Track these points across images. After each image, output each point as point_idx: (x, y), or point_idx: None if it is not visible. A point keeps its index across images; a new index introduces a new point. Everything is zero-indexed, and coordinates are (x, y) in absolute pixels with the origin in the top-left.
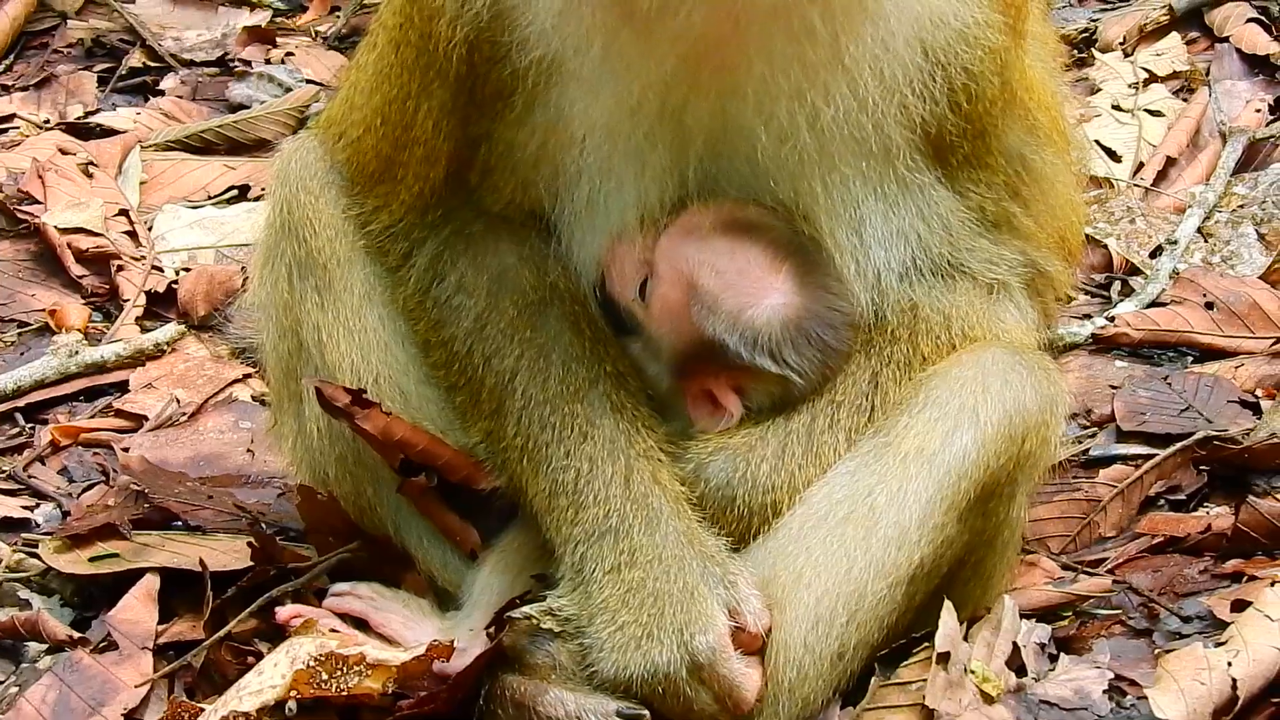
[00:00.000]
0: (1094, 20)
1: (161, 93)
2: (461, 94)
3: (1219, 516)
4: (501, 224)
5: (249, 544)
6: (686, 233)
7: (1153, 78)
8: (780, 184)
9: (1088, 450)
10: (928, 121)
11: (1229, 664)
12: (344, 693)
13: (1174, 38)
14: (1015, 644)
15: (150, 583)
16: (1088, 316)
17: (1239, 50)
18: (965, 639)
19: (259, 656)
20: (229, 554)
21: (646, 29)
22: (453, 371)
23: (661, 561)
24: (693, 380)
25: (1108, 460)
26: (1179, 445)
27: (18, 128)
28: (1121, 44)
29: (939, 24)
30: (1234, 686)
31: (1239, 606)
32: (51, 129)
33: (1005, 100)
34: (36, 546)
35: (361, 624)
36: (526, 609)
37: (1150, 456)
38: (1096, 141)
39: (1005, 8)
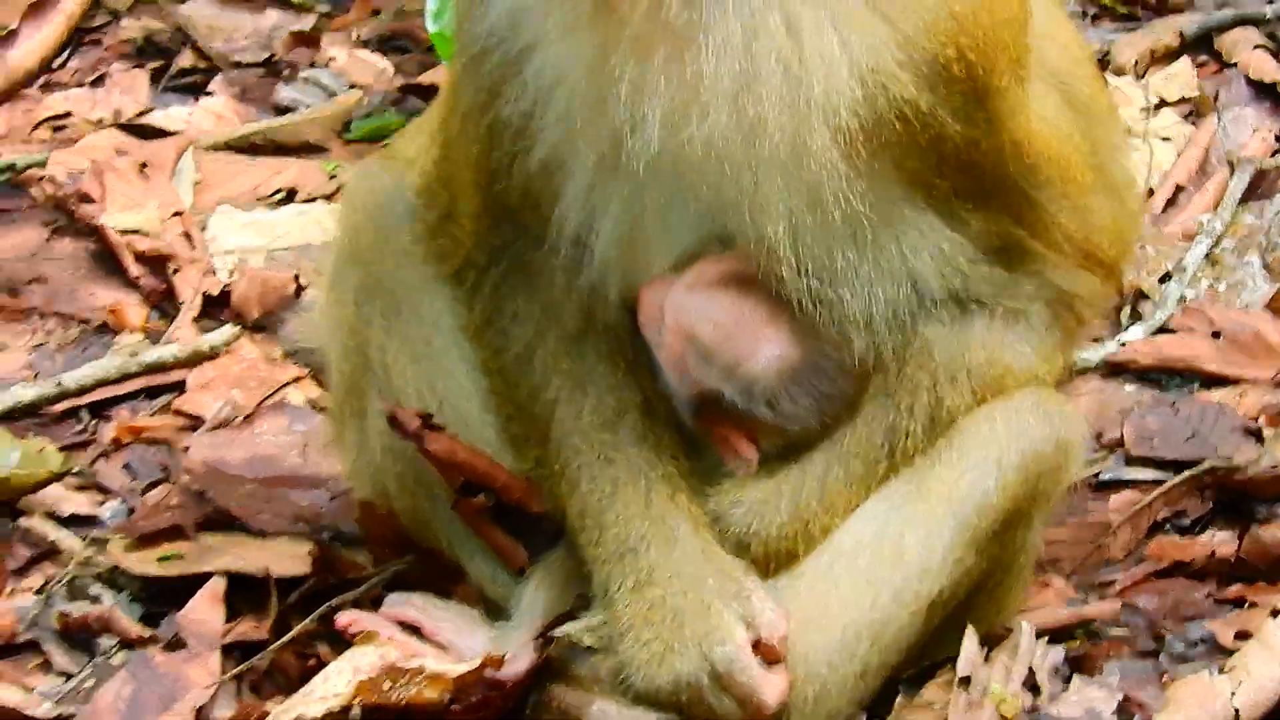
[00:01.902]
0: (1109, 40)
1: (211, 93)
2: (483, 127)
3: (1222, 543)
4: (553, 255)
5: (310, 553)
6: (691, 286)
7: (1163, 102)
8: (751, 228)
9: (1099, 474)
10: (899, 160)
11: (1232, 693)
12: (403, 701)
13: (1184, 62)
14: (1031, 667)
15: (216, 585)
16: (1099, 340)
17: (1247, 77)
18: (985, 662)
19: (318, 658)
20: (290, 559)
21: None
22: (507, 400)
23: (679, 578)
24: (709, 424)
25: (1118, 484)
26: (1186, 474)
27: (74, 125)
28: (1134, 67)
29: (877, 85)
30: (1236, 715)
31: (1242, 636)
32: (107, 127)
33: (992, 148)
34: (105, 543)
35: (416, 632)
36: (567, 627)
37: (1158, 482)
38: None
39: (969, 69)
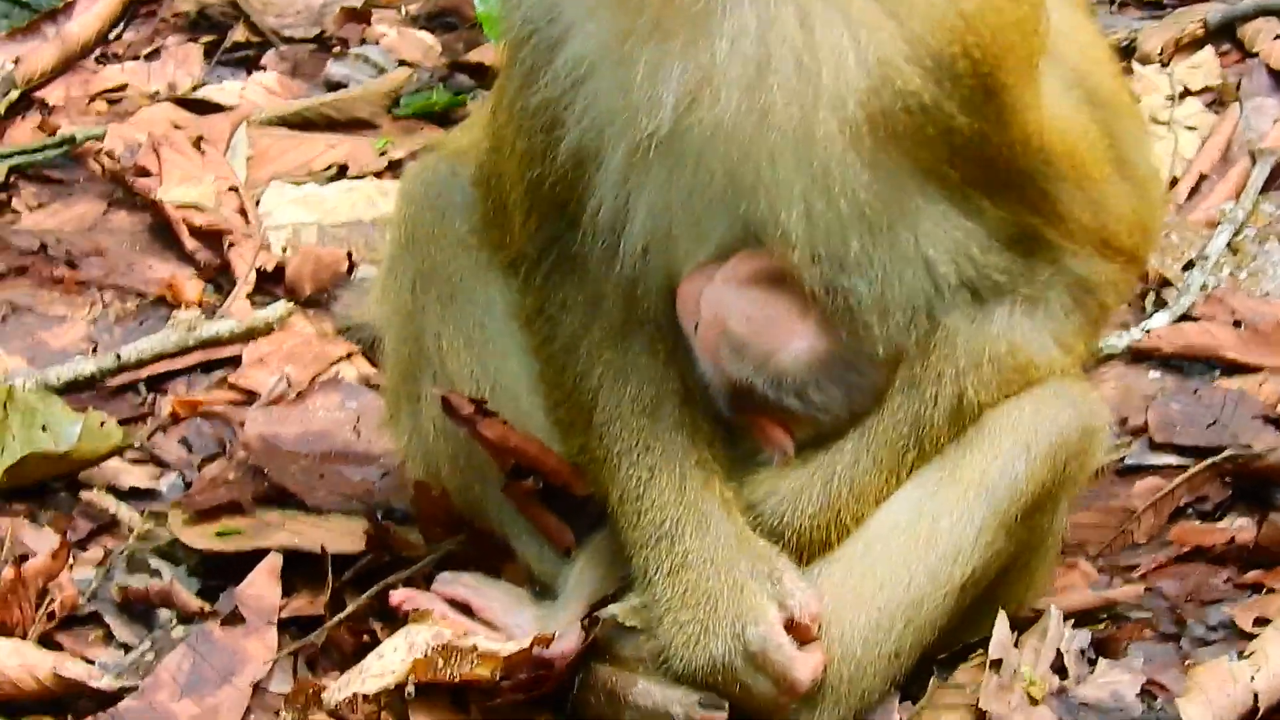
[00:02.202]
0: (1134, 31)
1: (263, 68)
2: (521, 114)
3: (1242, 529)
4: (593, 245)
5: (365, 532)
6: (725, 281)
7: (1187, 91)
8: (767, 213)
9: (1123, 459)
10: (911, 151)
11: (1251, 677)
12: (456, 678)
13: (1208, 50)
14: (1059, 650)
15: (274, 561)
16: (1124, 326)
17: (1268, 66)
18: (1015, 646)
19: (373, 634)
20: (345, 536)
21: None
22: (554, 387)
23: (712, 562)
24: (745, 414)
25: (1142, 470)
26: (1208, 462)
27: (130, 98)
28: (1159, 56)
29: (885, 80)
30: (1255, 699)
31: (1260, 622)
32: (162, 100)
33: (1003, 142)
34: (164, 517)
35: (465, 609)
36: (611, 608)
37: (1180, 467)
38: None
39: (974, 66)
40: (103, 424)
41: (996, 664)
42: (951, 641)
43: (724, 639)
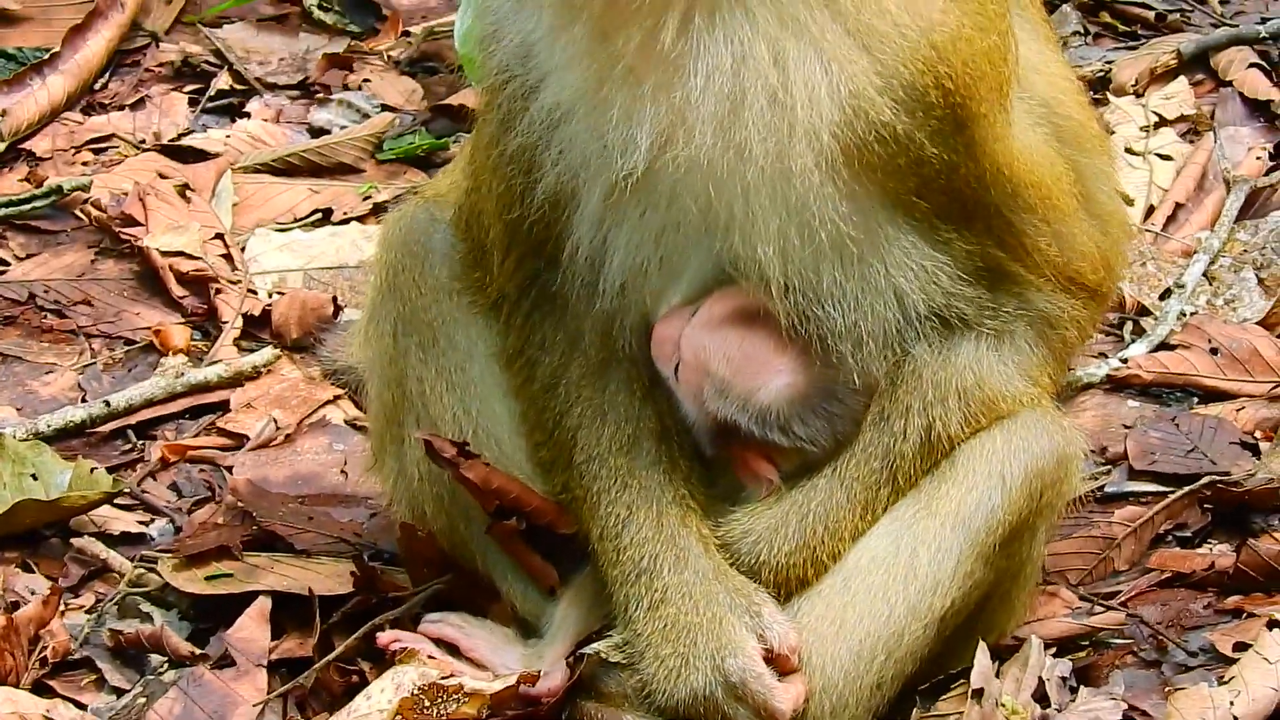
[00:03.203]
0: (1108, 62)
1: (248, 115)
2: (499, 158)
3: (1221, 555)
4: (572, 285)
5: (352, 574)
6: (703, 323)
7: (1162, 121)
8: (743, 249)
9: (1103, 487)
10: (881, 182)
11: (1231, 703)
12: (443, 717)
13: (1181, 81)
14: (1040, 678)
15: (263, 604)
16: (1103, 355)
17: (1241, 95)
18: (997, 675)
19: (361, 675)
20: (332, 578)
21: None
22: (536, 426)
23: (691, 596)
24: (729, 449)
25: (1121, 497)
26: (1187, 489)
27: (116, 148)
28: (1134, 86)
29: (857, 111)
30: None
31: (1240, 647)
32: (148, 149)
33: (972, 174)
34: (154, 562)
35: (452, 649)
36: (595, 645)
37: (1160, 495)
38: None
39: (946, 96)
40: (93, 471)
41: (978, 693)
42: (933, 671)
43: (704, 672)
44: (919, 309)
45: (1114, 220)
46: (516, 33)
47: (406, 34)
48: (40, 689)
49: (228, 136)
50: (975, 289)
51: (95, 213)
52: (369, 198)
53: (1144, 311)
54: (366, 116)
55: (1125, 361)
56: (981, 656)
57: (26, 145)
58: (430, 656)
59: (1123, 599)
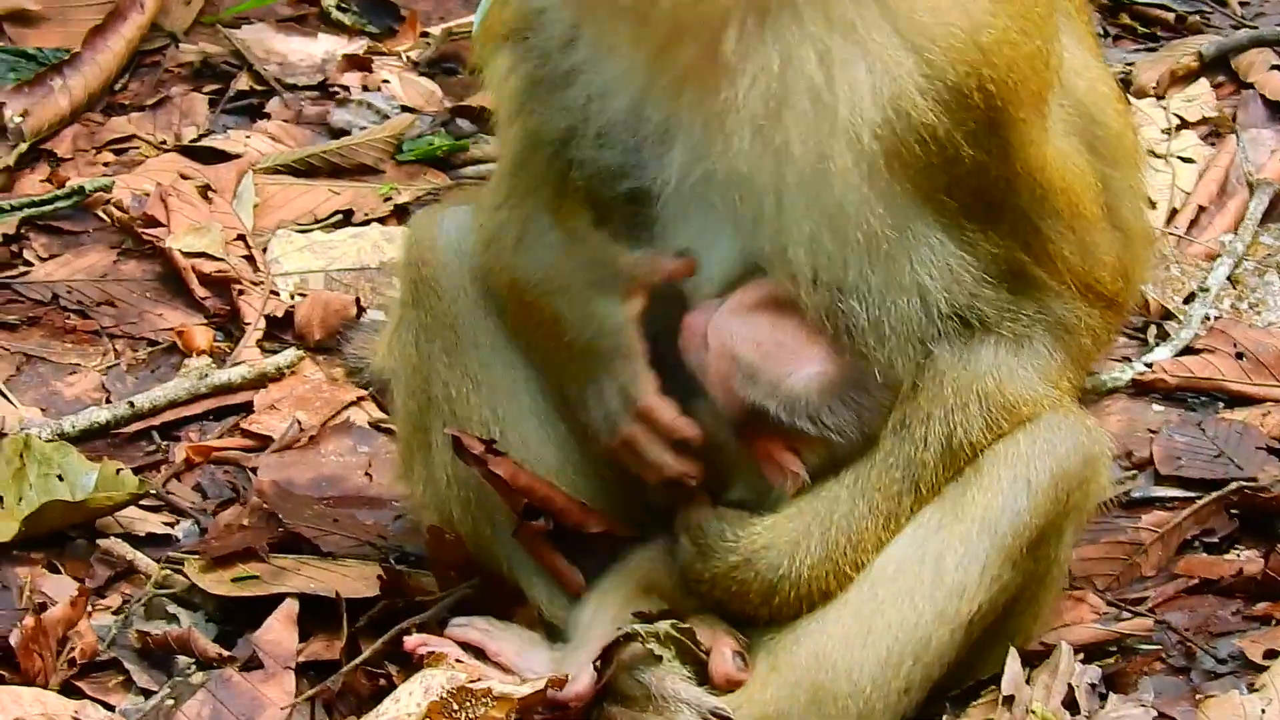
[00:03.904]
0: (1129, 64)
1: (268, 116)
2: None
3: (1249, 561)
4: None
5: (379, 577)
6: (733, 310)
7: (1184, 123)
8: (773, 246)
9: (1129, 492)
10: (914, 179)
11: (1263, 710)
12: None
13: (1203, 83)
14: (1070, 685)
15: (290, 606)
16: (1127, 359)
17: (1263, 96)
18: (1027, 682)
19: (388, 678)
20: (359, 581)
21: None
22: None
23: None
24: (754, 443)
25: (1147, 502)
26: (1214, 494)
27: (137, 148)
28: (1154, 88)
29: (899, 110)
30: None
31: (1271, 654)
32: (169, 150)
33: (1002, 175)
34: (181, 564)
35: (479, 653)
36: (638, 626)
37: (1186, 500)
38: None
39: (986, 99)
40: (118, 472)
41: (1009, 700)
42: (960, 675)
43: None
44: (941, 307)
45: (1137, 234)
46: (560, 21)
47: (425, 35)
48: (69, 690)
49: (248, 137)
50: (997, 291)
51: (117, 213)
52: (389, 199)
53: (1168, 315)
54: (386, 117)
55: (1150, 366)
56: (1012, 663)
57: (48, 146)
58: (458, 660)
59: (1150, 605)
